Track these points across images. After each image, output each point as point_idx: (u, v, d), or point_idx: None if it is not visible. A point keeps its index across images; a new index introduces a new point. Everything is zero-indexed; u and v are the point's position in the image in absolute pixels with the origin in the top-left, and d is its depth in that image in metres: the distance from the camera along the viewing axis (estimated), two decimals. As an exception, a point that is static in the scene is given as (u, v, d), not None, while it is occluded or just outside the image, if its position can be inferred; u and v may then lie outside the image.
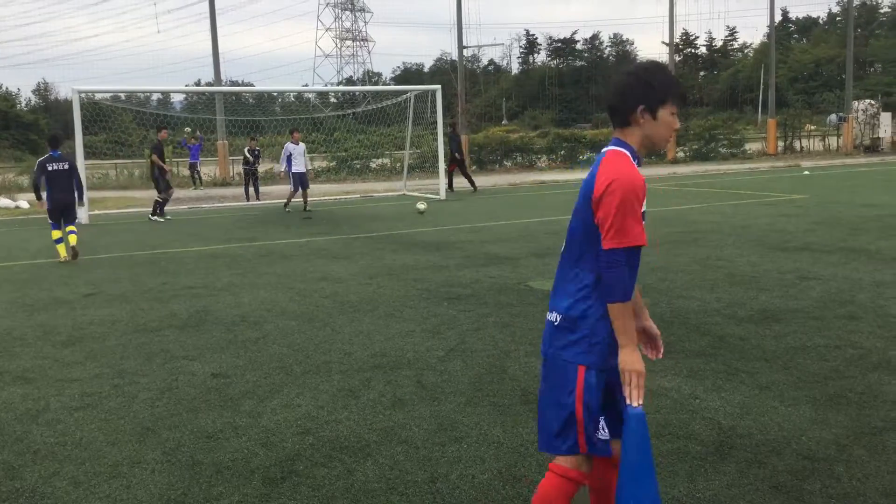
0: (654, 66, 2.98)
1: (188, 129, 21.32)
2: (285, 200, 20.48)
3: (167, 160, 21.06)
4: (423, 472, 4.12)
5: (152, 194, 19.31)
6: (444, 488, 3.94)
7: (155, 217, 18.78)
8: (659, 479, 3.35)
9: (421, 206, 17.81)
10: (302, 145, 20.12)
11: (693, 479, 3.92)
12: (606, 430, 2.93)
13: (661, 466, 3.96)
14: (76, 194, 12.88)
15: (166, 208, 19.40)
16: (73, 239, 12.53)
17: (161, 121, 33.94)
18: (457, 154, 24.99)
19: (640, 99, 2.87)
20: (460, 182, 25.22)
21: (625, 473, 2.97)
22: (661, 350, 3.17)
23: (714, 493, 3.78)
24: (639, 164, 2.93)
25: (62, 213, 12.69)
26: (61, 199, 12.65)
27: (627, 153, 2.89)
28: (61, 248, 12.49)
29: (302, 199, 20.01)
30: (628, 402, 2.88)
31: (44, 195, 12.60)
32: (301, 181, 19.80)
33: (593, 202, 2.82)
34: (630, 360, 2.81)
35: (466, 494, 3.87)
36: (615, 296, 2.78)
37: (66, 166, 12.72)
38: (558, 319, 2.92)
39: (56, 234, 12.67)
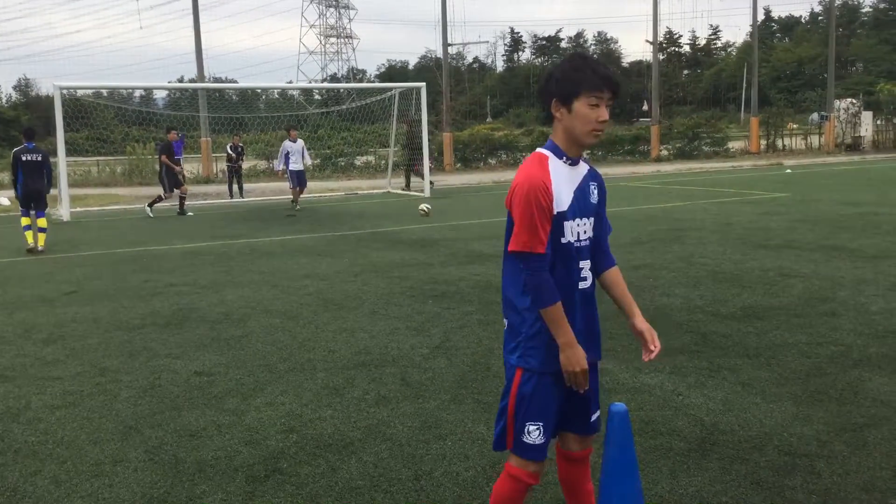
0: (570, 58, 2.91)
1: (175, 131, 21.17)
2: (291, 199, 20.19)
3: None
4: (408, 470, 4.12)
5: (136, 191, 19.28)
6: (429, 485, 3.94)
7: (149, 210, 18.93)
8: (642, 476, 3.37)
9: (424, 207, 16.68)
10: (300, 143, 20.00)
11: (676, 476, 3.94)
12: (536, 436, 2.89)
13: (644, 463, 3.97)
14: (45, 183, 13.66)
15: (158, 205, 19.43)
16: (41, 239, 13.27)
17: (144, 117, 33.79)
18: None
19: (553, 92, 2.85)
20: (440, 180, 25.25)
21: (608, 470, 2.99)
22: (654, 348, 3.01)
23: (697, 489, 3.80)
24: (572, 163, 2.87)
25: (33, 200, 13.34)
26: (32, 187, 13.39)
27: (548, 153, 2.87)
28: (29, 235, 13.19)
29: (294, 196, 19.90)
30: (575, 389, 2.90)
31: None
32: (297, 178, 19.73)
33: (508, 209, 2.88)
34: (568, 359, 2.81)
35: (451, 492, 3.87)
36: (536, 301, 2.79)
37: (39, 158, 13.47)
38: (506, 324, 2.99)
39: (25, 220, 13.34)
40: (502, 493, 3.00)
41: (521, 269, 2.83)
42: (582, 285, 2.90)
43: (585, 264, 2.91)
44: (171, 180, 19.28)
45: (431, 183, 24.31)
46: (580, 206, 2.87)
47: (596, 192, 2.96)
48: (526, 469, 2.95)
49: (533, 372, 2.87)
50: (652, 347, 3.01)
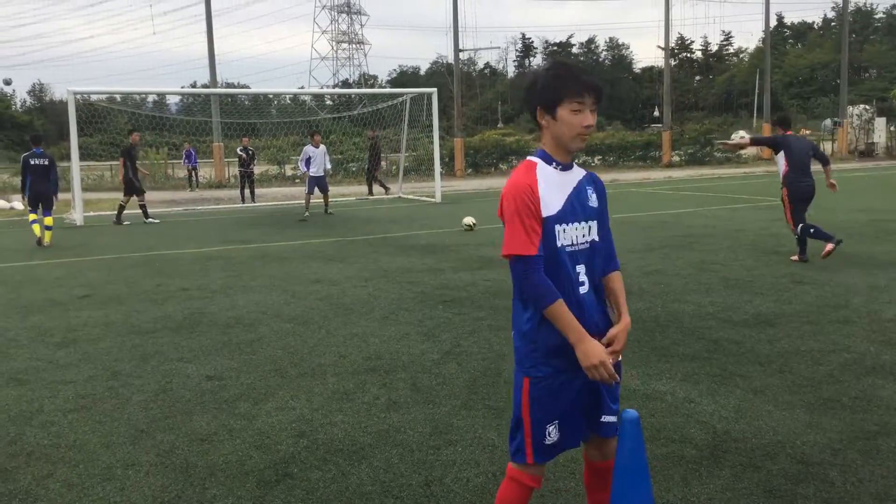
0: (550, 65, 2.92)
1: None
2: (304, 204, 19.94)
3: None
4: (418, 476, 4.12)
5: (149, 196, 19.28)
6: (439, 491, 3.93)
7: (150, 220, 18.74)
8: (653, 483, 3.36)
9: (468, 221, 15.33)
10: (322, 148, 19.58)
11: (688, 483, 3.92)
12: (554, 435, 2.91)
13: (655, 470, 3.96)
14: (51, 185, 15.06)
15: (146, 211, 19.10)
16: (48, 236, 14.59)
17: (157, 122, 33.98)
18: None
19: (537, 101, 2.85)
20: (452, 186, 25.28)
21: (619, 477, 2.98)
22: (612, 348, 2.88)
23: (708, 497, 3.78)
24: (563, 168, 2.89)
25: (40, 201, 14.93)
26: (40, 189, 14.90)
27: (537, 160, 2.90)
28: (36, 228, 14.60)
29: (307, 201, 19.81)
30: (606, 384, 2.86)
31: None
32: (318, 185, 19.47)
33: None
34: (584, 355, 2.77)
35: (461, 498, 3.86)
36: (537, 304, 2.80)
37: (46, 162, 14.95)
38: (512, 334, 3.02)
39: (33, 216, 14.91)
40: (506, 497, 3.02)
41: (516, 274, 2.82)
42: (581, 290, 2.89)
43: (582, 269, 2.90)
44: (134, 183, 18.82)
45: (386, 188, 25.30)
46: (575, 210, 2.88)
47: (595, 196, 2.97)
48: (529, 472, 2.96)
49: (538, 378, 2.87)
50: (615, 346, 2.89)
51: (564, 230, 2.84)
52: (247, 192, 24.78)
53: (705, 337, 6.62)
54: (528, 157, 2.94)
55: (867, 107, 43.55)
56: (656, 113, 70.51)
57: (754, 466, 4.09)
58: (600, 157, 38.48)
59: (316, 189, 19.49)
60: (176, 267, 11.51)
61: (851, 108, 42.25)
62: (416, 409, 5.12)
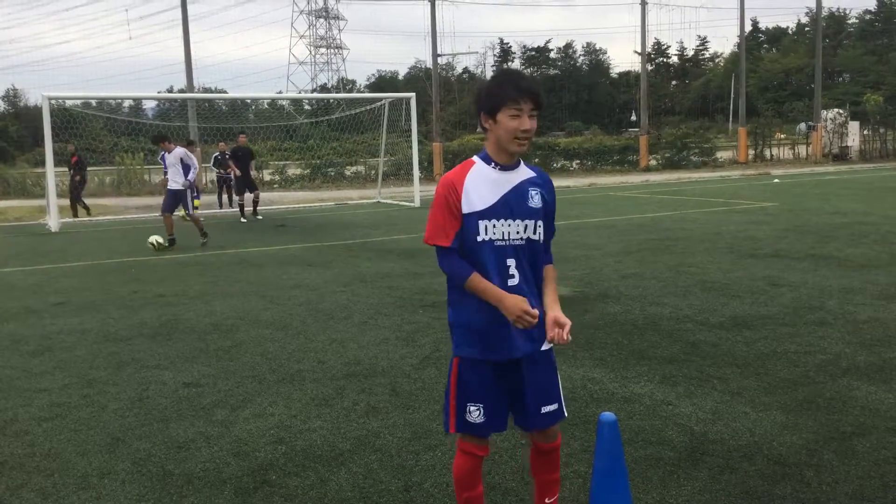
0: (496, 74, 3.18)
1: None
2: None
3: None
4: (398, 481, 4.10)
5: (125, 202, 19.13)
6: (419, 497, 3.92)
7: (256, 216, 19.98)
8: (632, 486, 3.37)
9: (154, 240, 14.27)
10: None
11: (665, 485, 3.94)
12: (476, 415, 3.12)
13: (633, 472, 3.97)
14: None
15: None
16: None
17: (133, 128, 33.69)
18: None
19: (481, 105, 3.05)
20: (429, 192, 25.28)
21: (598, 479, 2.99)
22: (555, 333, 3.01)
23: (686, 498, 3.80)
24: (502, 168, 3.06)
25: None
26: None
27: (477, 159, 3.11)
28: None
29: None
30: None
31: None
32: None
33: None
34: (507, 311, 2.95)
35: (441, 503, 3.86)
36: (457, 281, 3.07)
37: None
38: None
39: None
40: (459, 467, 3.24)
41: (437, 259, 3.09)
42: (510, 282, 3.05)
43: (512, 262, 3.06)
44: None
45: (89, 209, 21.77)
46: (510, 208, 3.04)
47: (538, 196, 3.11)
48: (474, 443, 3.19)
49: (466, 360, 3.13)
50: (552, 334, 3.03)
51: (494, 225, 3.02)
52: (224, 197, 24.62)
53: (683, 339, 6.66)
54: (473, 157, 3.14)
55: (841, 111, 44.08)
56: (633, 117, 70.99)
57: (731, 468, 4.12)
58: (578, 161, 38.66)
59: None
60: (152, 273, 11.41)
61: (825, 112, 42.72)
62: (395, 414, 5.11)
